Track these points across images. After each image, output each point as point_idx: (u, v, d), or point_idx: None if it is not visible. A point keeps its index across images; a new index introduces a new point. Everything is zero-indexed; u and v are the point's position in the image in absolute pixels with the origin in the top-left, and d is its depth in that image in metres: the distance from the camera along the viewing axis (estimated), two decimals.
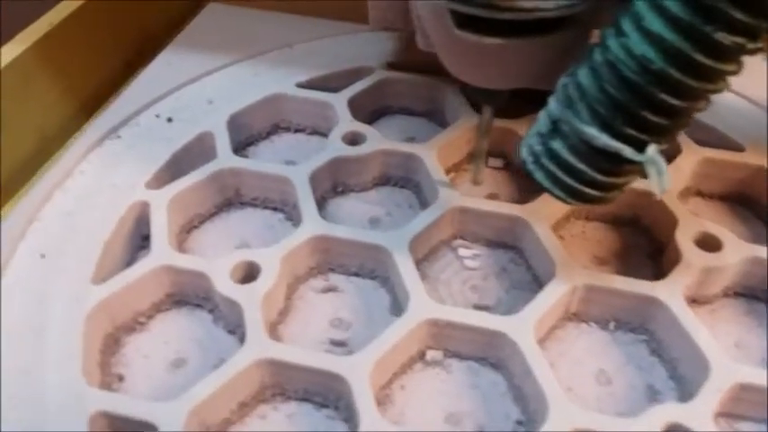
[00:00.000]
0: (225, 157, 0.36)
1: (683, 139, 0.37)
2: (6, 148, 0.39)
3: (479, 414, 0.28)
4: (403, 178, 0.38)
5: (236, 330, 0.31)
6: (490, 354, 0.29)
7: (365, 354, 0.27)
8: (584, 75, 0.24)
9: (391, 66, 0.43)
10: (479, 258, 0.34)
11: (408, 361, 0.30)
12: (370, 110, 0.42)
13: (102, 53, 0.47)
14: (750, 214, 0.37)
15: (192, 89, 0.41)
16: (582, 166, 0.25)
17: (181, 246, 0.34)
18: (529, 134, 0.27)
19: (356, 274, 0.34)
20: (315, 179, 0.35)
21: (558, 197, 0.27)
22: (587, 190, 0.26)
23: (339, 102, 0.40)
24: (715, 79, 0.23)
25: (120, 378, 0.29)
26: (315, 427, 0.28)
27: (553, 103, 0.26)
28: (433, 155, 0.36)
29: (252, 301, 0.29)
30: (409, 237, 0.32)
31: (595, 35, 0.29)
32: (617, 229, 0.36)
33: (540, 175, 0.27)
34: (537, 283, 0.33)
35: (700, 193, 0.38)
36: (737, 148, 0.37)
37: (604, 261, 0.34)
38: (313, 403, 0.29)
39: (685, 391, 0.28)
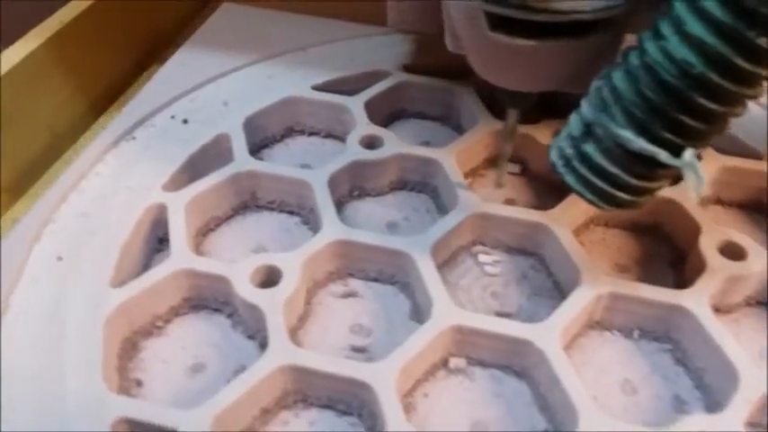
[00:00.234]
0: (242, 160, 0.35)
1: None
2: (17, 145, 0.39)
3: (505, 423, 0.28)
4: (420, 183, 0.38)
5: (256, 336, 0.30)
6: (515, 362, 0.29)
7: (390, 361, 0.27)
8: (619, 78, 0.24)
9: (406, 69, 0.43)
10: (499, 265, 0.34)
11: (431, 368, 0.29)
12: (385, 113, 0.42)
13: (113, 52, 0.47)
14: None
15: (207, 91, 0.41)
16: (615, 170, 0.25)
17: (197, 249, 0.34)
18: (559, 137, 0.27)
19: (375, 280, 0.33)
20: (333, 183, 0.35)
21: (588, 201, 0.26)
22: (620, 194, 0.26)
23: (356, 105, 0.39)
24: (754, 84, 0.22)
25: (139, 383, 0.29)
26: None
27: (586, 107, 0.25)
28: (452, 159, 0.36)
29: (273, 305, 0.29)
30: (431, 242, 0.31)
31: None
32: (637, 236, 0.36)
33: (570, 179, 0.26)
34: (558, 290, 0.33)
35: (719, 201, 0.37)
36: (757, 156, 0.37)
37: (625, 268, 0.34)
38: (335, 410, 0.28)
39: (712, 401, 0.28)
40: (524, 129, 0.37)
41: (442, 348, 0.29)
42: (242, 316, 0.31)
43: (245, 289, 0.29)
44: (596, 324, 0.31)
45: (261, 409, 0.27)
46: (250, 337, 0.31)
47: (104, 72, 0.46)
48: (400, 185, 0.38)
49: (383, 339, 0.31)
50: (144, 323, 0.30)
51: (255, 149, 0.40)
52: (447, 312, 0.29)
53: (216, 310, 0.32)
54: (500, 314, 0.31)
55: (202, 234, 0.35)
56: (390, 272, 0.33)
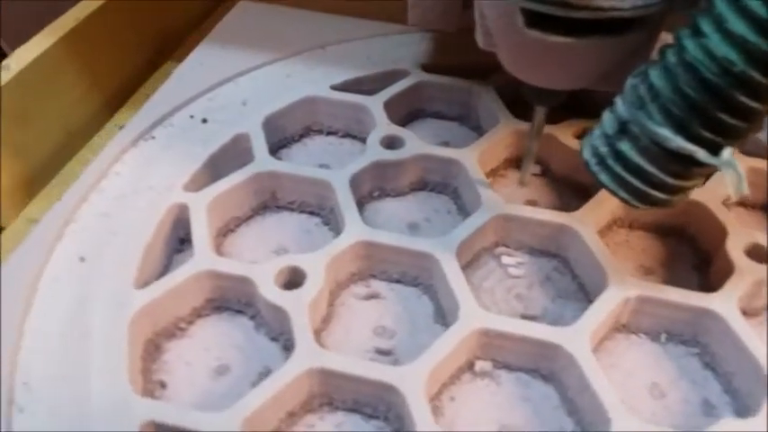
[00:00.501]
0: (263, 160, 0.35)
1: None
2: (32, 143, 0.39)
3: (533, 426, 0.27)
4: (441, 183, 0.38)
5: (279, 338, 0.30)
6: (542, 365, 0.29)
7: (418, 364, 0.27)
8: (657, 75, 0.24)
9: (425, 68, 0.43)
10: (523, 266, 0.34)
11: (457, 371, 0.29)
12: (403, 113, 0.42)
13: (126, 50, 0.47)
14: None
15: (226, 90, 0.41)
16: (651, 169, 0.25)
17: (218, 250, 0.34)
18: (592, 135, 0.27)
19: (398, 281, 0.33)
20: (355, 183, 0.35)
21: (622, 199, 0.26)
22: (655, 192, 0.25)
23: (375, 105, 0.39)
24: None
25: (163, 385, 0.28)
26: None
27: (621, 104, 0.25)
28: (473, 159, 0.36)
29: (298, 307, 0.28)
30: (456, 243, 0.31)
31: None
32: (661, 238, 0.35)
33: (604, 177, 0.26)
34: (583, 292, 0.32)
35: (742, 203, 0.37)
36: None
37: (650, 271, 0.34)
38: (362, 414, 0.28)
39: (741, 405, 0.28)
40: (545, 129, 0.37)
41: (467, 351, 0.29)
42: (265, 317, 0.30)
43: (270, 290, 0.29)
44: (623, 327, 0.31)
45: (287, 413, 0.27)
46: (273, 338, 0.30)
47: (117, 70, 0.46)
48: (420, 186, 0.38)
49: (407, 342, 0.30)
50: (167, 324, 0.30)
51: (274, 149, 0.39)
52: (473, 315, 0.29)
53: (238, 311, 0.31)
54: (525, 317, 0.31)
55: (223, 235, 0.35)
56: (414, 273, 0.32)
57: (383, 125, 0.38)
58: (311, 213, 0.36)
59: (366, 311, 0.32)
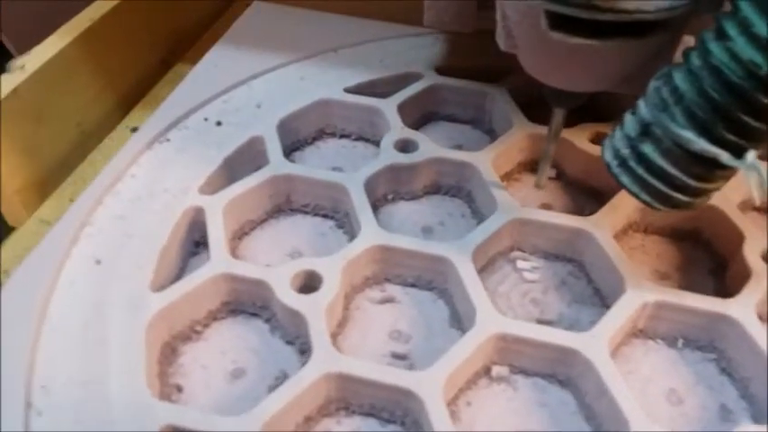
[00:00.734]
0: (278, 163, 0.35)
1: None
2: (47, 142, 0.39)
3: None
4: (455, 187, 0.38)
5: (295, 341, 0.30)
6: (559, 371, 0.29)
7: (436, 368, 0.27)
8: (681, 78, 0.24)
9: (438, 71, 0.42)
10: (538, 271, 0.34)
11: (473, 376, 0.29)
12: (416, 116, 0.42)
13: (139, 50, 0.47)
14: None
15: (240, 92, 0.41)
16: (674, 171, 0.25)
17: (233, 253, 0.34)
18: (613, 137, 0.26)
19: (413, 285, 0.33)
20: (369, 186, 0.34)
21: (643, 201, 0.26)
22: (677, 195, 0.25)
23: (389, 107, 0.39)
24: None
25: (179, 389, 0.28)
26: None
27: (644, 107, 0.25)
28: (488, 163, 0.36)
29: (315, 311, 0.28)
30: (472, 247, 0.31)
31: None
32: (676, 242, 0.35)
33: (626, 179, 0.26)
34: (599, 297, 0.32)
35: (756, 207, 0.37)
36: None
37: (665, 276, 0.34)
38: (378, 419, 0.28)
39: (758, 411, 0.28)
40: None
41: (484, 356, 0.29)
42: (281, 321, 0.30)
43: (286, 294, 0.29)
44: (639, 332, 0.31)
45: (304, 417, 0.27)
46: (289, 342, 0.30)
47: (131, 70, 0.46)
48: (434, 189, 0.38)
49: (423, 346, 0.30)
50: (183, 328, 0.30)
51: (287, 152, 0.39)
52: (491, 320, 0.29)
53: (253, 314, 0.31)
54: (541, 321, 0.31)
55: (238, 238, 0.35)
56: (428, 277, 0.32)
57: (397, 128, 0.38)
58: (325, 216, 0.36)
59: (381, 315, 0.32)
